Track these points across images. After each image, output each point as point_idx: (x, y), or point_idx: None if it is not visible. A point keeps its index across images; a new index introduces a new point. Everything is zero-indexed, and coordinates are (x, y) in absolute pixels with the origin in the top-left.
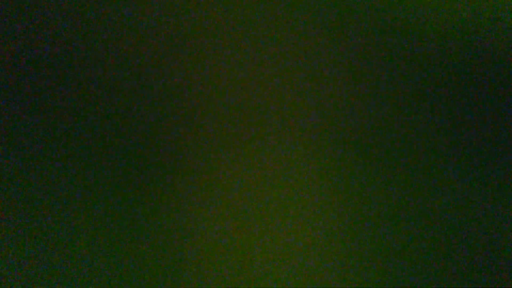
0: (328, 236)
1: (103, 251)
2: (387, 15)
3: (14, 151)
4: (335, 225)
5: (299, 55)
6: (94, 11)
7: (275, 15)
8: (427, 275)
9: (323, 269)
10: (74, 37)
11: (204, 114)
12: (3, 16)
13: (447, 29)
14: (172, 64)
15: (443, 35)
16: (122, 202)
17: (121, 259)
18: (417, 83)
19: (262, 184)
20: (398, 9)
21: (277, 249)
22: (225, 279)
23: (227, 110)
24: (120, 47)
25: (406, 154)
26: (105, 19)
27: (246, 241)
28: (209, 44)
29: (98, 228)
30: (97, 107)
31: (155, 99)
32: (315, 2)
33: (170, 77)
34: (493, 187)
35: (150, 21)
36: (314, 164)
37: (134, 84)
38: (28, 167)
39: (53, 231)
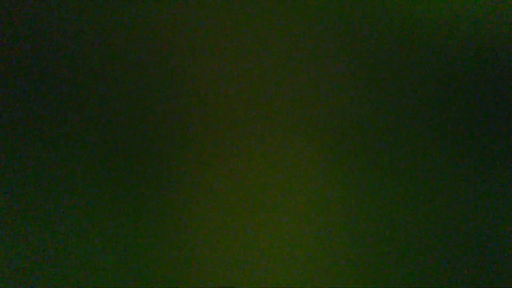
0: (329, 237)
1: (102, 250)
2: (388, 16)
3: (14, 151)
4: (336, 225)
5: (303, 55)
6: (94, 11)
7: (276, 16)
8: (429, 276)
9: (324, 269)
10: (74, 37)
11: (206, 115)
12: (3, 16)
13: (449, 29)
14: (172, 64)
15: (445, 36)
16: (122, 202)
17: (120, 258)
18: (419, 84)
19: (263, 184)
20: (400, 9)
21: (278, 250)
22: (225, 279)
23: (228, 110)
24: (120, 47)
25: (408, 154)
26: (104, 19)
27: (247, 242)
28: (211, 44)
29: (97, 227)
30: (97, 107)
31: (155, 99)
32: (316, 2)
33: (171, 77)
34: (495, 188)
35: (150, 20)
36: (316, 164)
37: (134, 84)
38: (27, 167)
39: (53, 231)
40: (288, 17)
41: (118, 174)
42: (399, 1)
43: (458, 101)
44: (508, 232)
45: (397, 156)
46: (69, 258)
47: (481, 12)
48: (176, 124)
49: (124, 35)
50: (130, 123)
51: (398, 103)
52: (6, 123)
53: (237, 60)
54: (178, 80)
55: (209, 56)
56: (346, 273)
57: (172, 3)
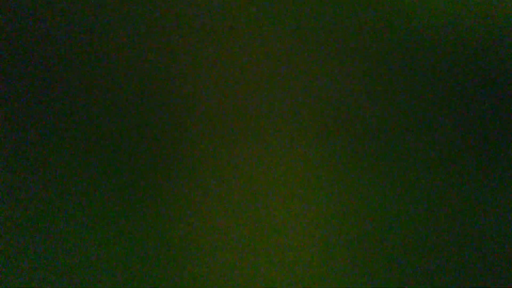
0: (329, 238)
1: (102, 250)
2: (390, 16)
3: (14, 151)
4: (337, 226)
5: (304, 55)
6: (94, 11)
7: (276, 16)
8: (429, 276)
9: (324, 271)
10: (74, 36)
11: (206, 115)
12: (3, 16)
13: (448, 29)
14: (172, 64)
15: (444, 35)
16: (121, 201)
17: (120, 258)
18: (420, 84)
19: (263, 185)
20: (400, 9)
21: (278, 250)
22: (225, 279)
23: (228, 111)
24: (120, 46)
25: (409, 155)
26: (104, 19)
27: (247, 243)
28: (212, 43)
29: (96, 227)
30: (96, 107)
31: (155, 98)
32: (315, 2)
33: (171, 76)
34: (495, 188)
35: (150, 20)
36: (316, 165)
37: (133, 84)
38: (27, 166)
39: (53, 230)
40: (290, 17)
41: (117, 174)
42: (400, 1)
43: (459, 101)
44: (508, 232)
45: (398, 157)
46: (68, 258)
47: (481, 12)
48: (176, 124)
49: (123, 34)
50: (130, 123)
51: (398, 103)
52: (6, 123)
53: (238, 60)
54: (178, 80)
55: (210, 56)
56: (346, 274)
57: (172, 3)
